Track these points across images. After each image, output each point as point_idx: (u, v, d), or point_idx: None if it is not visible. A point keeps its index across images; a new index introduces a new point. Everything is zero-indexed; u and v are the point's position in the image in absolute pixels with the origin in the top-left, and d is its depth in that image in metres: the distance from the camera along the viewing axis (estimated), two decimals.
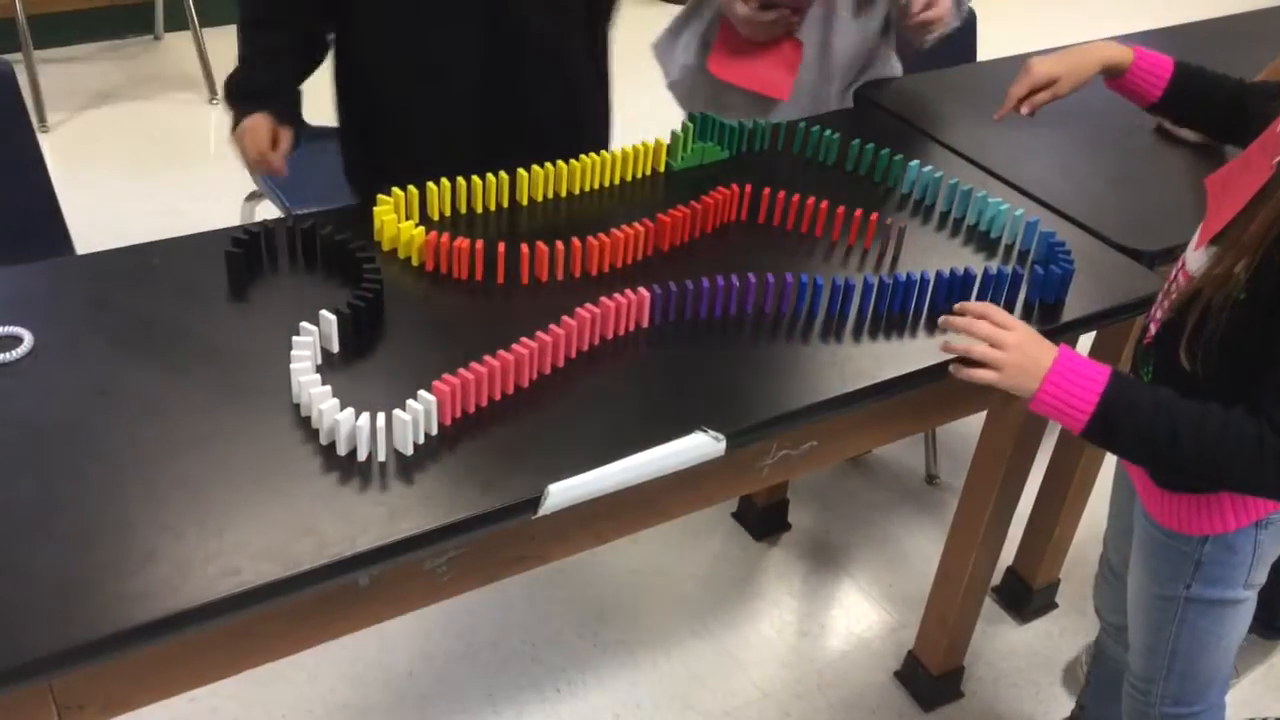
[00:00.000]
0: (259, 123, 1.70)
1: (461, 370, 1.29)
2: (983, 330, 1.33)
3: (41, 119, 3.69)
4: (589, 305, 1.43)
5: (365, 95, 1.83)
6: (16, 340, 1.35)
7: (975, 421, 1.88)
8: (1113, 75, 1.75)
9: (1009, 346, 1.31)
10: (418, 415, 1.24)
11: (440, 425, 1.28)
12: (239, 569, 1.10)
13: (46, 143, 2.36)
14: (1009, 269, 1.58)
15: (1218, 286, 1.24)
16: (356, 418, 1.22)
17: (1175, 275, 1.43)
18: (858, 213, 1.69)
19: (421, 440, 1.26)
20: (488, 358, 1.32)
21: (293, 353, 1.31)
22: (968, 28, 2.72)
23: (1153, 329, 1.42)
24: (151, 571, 1.08)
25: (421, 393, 1.25)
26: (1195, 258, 1.37)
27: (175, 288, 1.47)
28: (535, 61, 1.77)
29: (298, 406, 1.29)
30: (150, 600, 1.06)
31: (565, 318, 1.40)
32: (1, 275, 1.53)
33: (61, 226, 2.06)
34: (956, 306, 1.40)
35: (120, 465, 1.20)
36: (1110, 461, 2.17)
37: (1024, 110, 1.80)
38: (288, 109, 1.76)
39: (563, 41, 1.81)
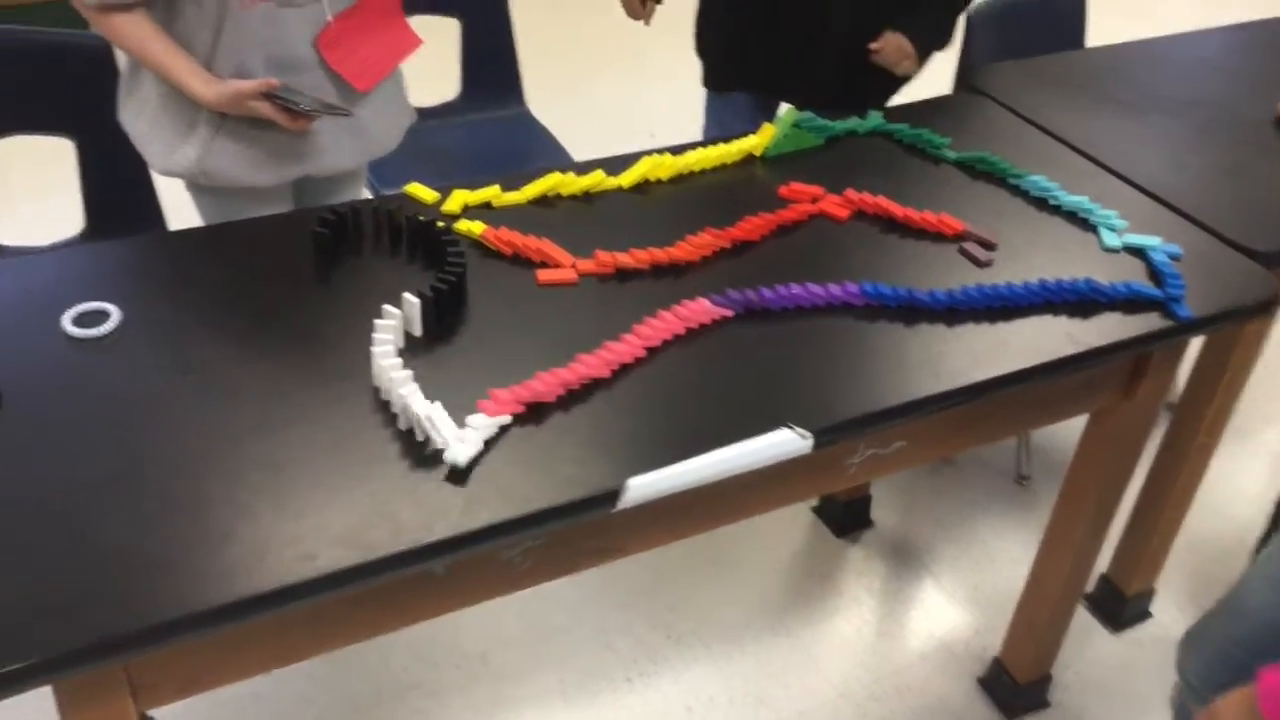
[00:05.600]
0: None
1: (530, 382, 1.27)
2: None
3: None
4: (663, 313, 1.39)
5: None
6: (104, 315, 1.35)
7: (1071, 420, 1.80)
8: None
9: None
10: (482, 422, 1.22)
11: (518, 415, 1.26)
12: (315, 554, 1.09)
13: None
14: (1115, 287, 1.50)
15: None
16: (433, 402, 1.20)
17: None
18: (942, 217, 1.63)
19: (499, 430, 1.24)
20: (559, 370, 1.29)
21: (374, 335, 1.30)
22: (1075, 12, 2.62)
23: None
24: (228, 553, 1.08)
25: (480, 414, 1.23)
26: None
27: (262, 267, 1.47)
28: None
29: (378, 390, 1.27)
30: (226, 582, 1.05)
31: (639, 327, 1.36)
32: (92, 250, 1.55)
33: (154, 201, 2.09)
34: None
35: (200, 444, 1.20)
36: (1215, 469, 2.08)
37: None
38: None
39: None
